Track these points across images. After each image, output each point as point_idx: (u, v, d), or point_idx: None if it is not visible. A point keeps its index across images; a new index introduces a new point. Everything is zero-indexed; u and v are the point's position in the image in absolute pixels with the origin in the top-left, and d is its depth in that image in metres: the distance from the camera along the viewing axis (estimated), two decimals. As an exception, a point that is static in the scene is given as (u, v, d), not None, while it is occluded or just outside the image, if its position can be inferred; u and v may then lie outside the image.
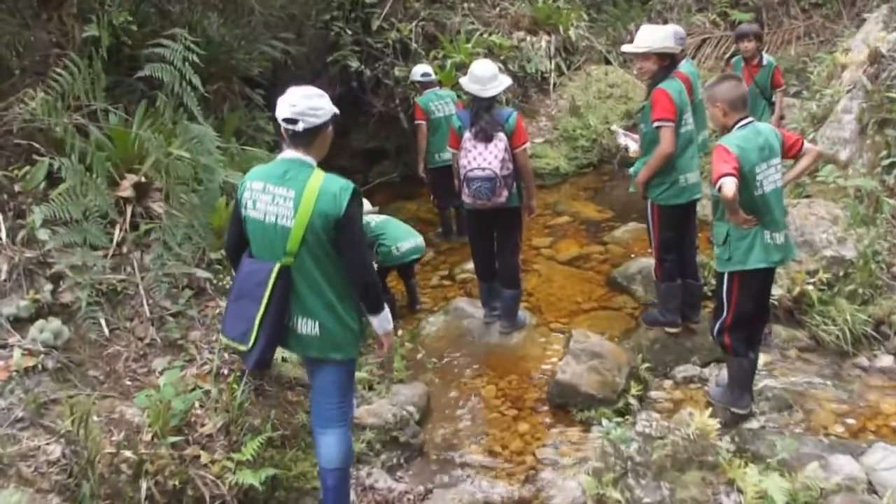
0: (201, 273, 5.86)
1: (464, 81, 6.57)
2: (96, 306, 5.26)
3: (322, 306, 4.20)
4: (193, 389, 4.96)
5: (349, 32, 11.81)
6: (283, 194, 4.07)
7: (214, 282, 5.95)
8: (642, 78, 6.85)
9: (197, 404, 4.91)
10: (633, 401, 6.00)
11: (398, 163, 12.38)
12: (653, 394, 6.28)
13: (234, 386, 5.04)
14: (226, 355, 5.40)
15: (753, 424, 5.68)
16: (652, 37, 6.44)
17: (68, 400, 4.52)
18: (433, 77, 9.93)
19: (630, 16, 15.04)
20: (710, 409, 5.62)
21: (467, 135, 6.44)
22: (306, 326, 4.23)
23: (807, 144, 5.49)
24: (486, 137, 6.35)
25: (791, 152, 5.43)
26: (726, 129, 5.36)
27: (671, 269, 6.67)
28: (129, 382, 5.04)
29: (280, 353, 5.26)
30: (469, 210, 6.85)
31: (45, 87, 5.56)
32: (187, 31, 7.91)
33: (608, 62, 14.39)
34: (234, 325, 4.25)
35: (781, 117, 8.97)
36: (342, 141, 11.42)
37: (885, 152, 7.86)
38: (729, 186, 4.91)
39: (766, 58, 9.09)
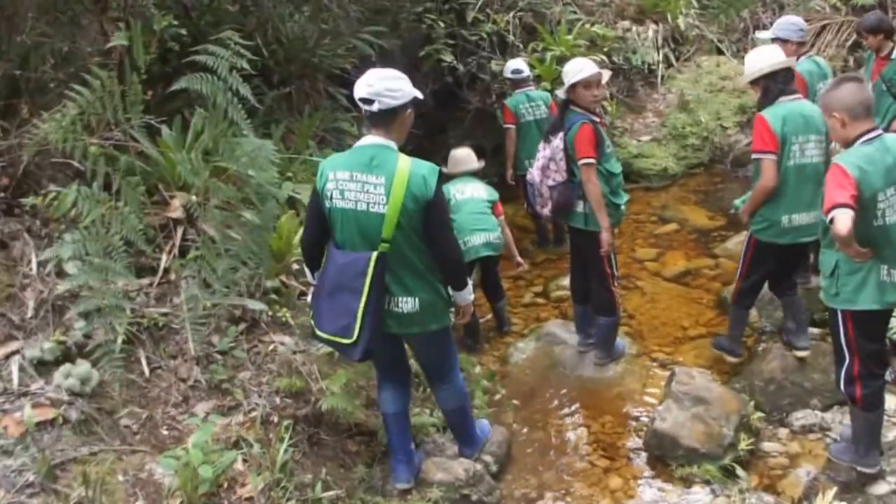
0: (254, 304, 5.33)
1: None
2: (136, 343, 4.84)
3: (418, 282, 4.35)
4: (236, 443, 4.50)
5: (442, 25, 11.20)
6: (374, 181, 4.12)
7: (270, 313, 5.44)
8: None
9: (240, 458, 4.41)
10: (742, 453, 5.29)
11: (495, 162, 11.70)
12: (766, 445, 5.52)
13: (283, 436, 4.55)
14: (277, 399, 4.91)
15: (882, 488, 4.91)
16: (750, 65, 5.71)
17: (89, 458, 4.10)
18: (525, 74, 9.11)
19: (743, 1, 14.05)
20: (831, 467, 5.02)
21: None
22: (406, 304, 4.35)
23: None
24: (546, 139, 6.06)
25: None
26: (848, 143, 4.47)
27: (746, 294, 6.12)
28: (165, 432, 4.56)
29: (338, 399, 4.86)
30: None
31: (61, 105, 5.04)
32: (263, 29, 7.51)
33: (720, 52, 13.51)
34: (332, 320, 4.28)
35: None
36: (438, 138, 10.99)
37: None
38: (843, 222, 4.07)
39: None
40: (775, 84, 5.56)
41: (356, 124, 8.40)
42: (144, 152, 5.55)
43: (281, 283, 5.72)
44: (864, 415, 4.84)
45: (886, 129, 6.36)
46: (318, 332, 4.41)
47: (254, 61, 5.89)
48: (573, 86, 5.81)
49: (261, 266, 5.46)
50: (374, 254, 4.14)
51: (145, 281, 5.19)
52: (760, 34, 6.15)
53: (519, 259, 7.48)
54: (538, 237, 9.40)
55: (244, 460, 4.42)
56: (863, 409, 4.82)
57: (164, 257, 5.31)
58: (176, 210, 5.47)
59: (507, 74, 9.21)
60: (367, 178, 4.12)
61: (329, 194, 4.21)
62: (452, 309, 4.70)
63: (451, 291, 4.56)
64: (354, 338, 4.20)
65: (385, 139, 4.21)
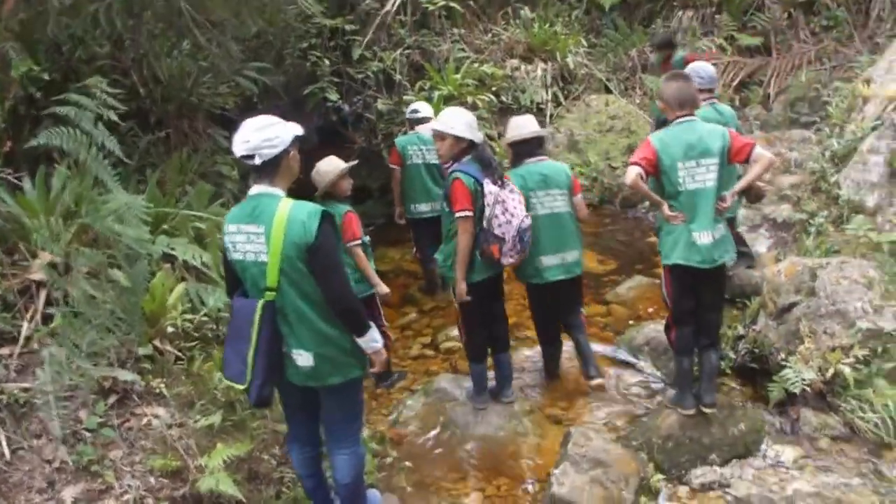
0: (125, 375, 4.92)
1: (462, 130, 5.81)
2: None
3: (313, 335, 4.24)
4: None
5: (328, 62, 10.99)
6: (255, 231, 4.10)
7: (143, 384, 5.03)
8: None
9: (110, 553, 4.01)
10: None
11: (381, 202, 11.44)
12: (665, 507, 5.36)
13: (160, 523, 4.17)
14: (152, 480, 4.50)
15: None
16: (508, 131, 6.60)
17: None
18: (423, 115, 8.75)
19: (632, 40, 14.24)
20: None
21: (493, 188, 5.72)
22: (301, 358, 4.27)
23: (758, 150, 5.40)
24: (504, 185, 5.86)
25: (737, 157, 5.46)
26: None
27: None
28: (29, 523, 4.11)
29: (217, 480, 4.49)
30: (489, 278, 6.09)
31: None
32: (139, 66, 7.10)
33: (609, 91, 13.54)
34: (230, 365, 4.28)
35: None
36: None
37: (921, 202, 6.97)
38: (629, 173, 5.44)
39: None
40: (524, 149, 6.45)
41: (236, 167, 8.06)
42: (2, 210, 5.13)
43: (155, 349, 5.33)
44: (677, 358, 5.95)
45: None
46: (224, 377, 4.42)
47: (128, 101, 5.55)
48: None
49: (132, 332, 5.08)
50: (260, 302, 4.12)
51: (5, 351, 4.81)
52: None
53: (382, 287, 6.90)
54: (426, 283, 9.11)
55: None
56: (676, 353, 5.96)
57: (24, 325, 4.90)
58: (37, 272, 5.05)
59: (407, 115, 8.97)
60: (248, 229, 4.12)
61: (229, 247, 4.23)
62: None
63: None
64: (246, 384, 4.20)
65: (269, 187, 4.17)
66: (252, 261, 4.14)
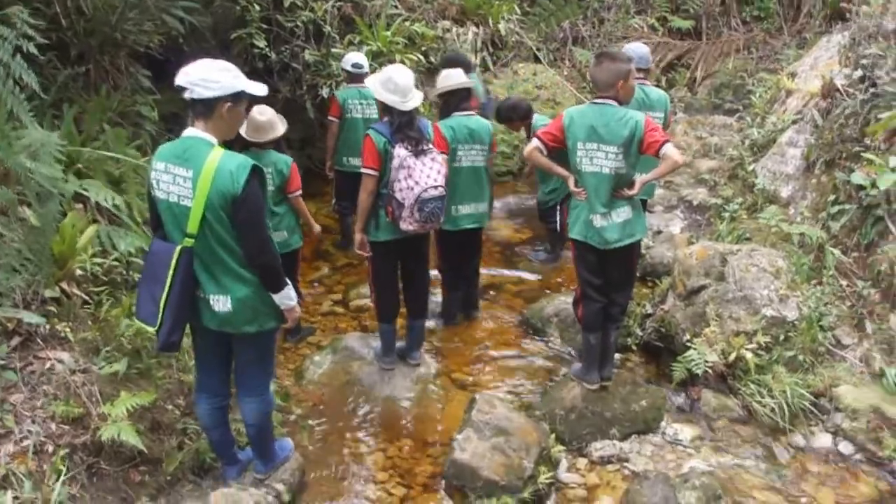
0: (30, 317, 4.72)
1: (376, 89, 5.67)
2: None
3: (231, 281, 4.21)
4: (4, 477, 3.97)
5: (258, 8, 10.67)
6: (183, 174, 4.04)
7: (48, 327, 4.84)
8: None
9: (10, 497, 3.89)
10: (542, 486, 5.15)
11: (302, 155, 11.26)
12: (565, 476, 5.40)
13: (60, 468, 4.09)
14: (53, 426, 4.37)
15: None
16: (439, 82, 6.81)
17: None
18: (365, 70, 8.68)
19: (565, 12, 14.26)
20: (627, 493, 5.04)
21: (402, 152, 5.57)
22: (218, 303, 4.23)
23: (666, 149, 5.28)
24: (422, 152, 5.66)
25: (648, 150, 5.37)
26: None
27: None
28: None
29: (119, 429, 4.38)
30: (396, 240, 5.93)
31: None
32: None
33: (538, 60, 13.53)
34: (143, 306, 4.26)
35: None
36: (243, 127, 10.45)
37: (832, 196, 7.10)
38: (528, 146, 5.67)
39: None
40: (452, 100, 6.66)
41: (156, 108, 7.83)
42: None
43: (62, 291, 5.13)
44: (584, 334, 5.95)
45: None
46: (136, 318, 4.42)
47: (48, 33, 5.32)
48: None
49: (39, 273, 4.90)
50: (178, 247, 4.10)
51: None
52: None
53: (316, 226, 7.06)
54: (343, 238, 9.00)
55: (15, 498, 3.91)
56: (583, 329, 5.96)
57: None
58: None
59: (347, 67, 8.78)
60: (177, 171, 4.05)
61: (153, 184, 4.16)
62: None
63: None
64: (157, 326, 4.19)
65: (203, 132, 4.10)
66: (175, 202, 4.08)
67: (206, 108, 4.06)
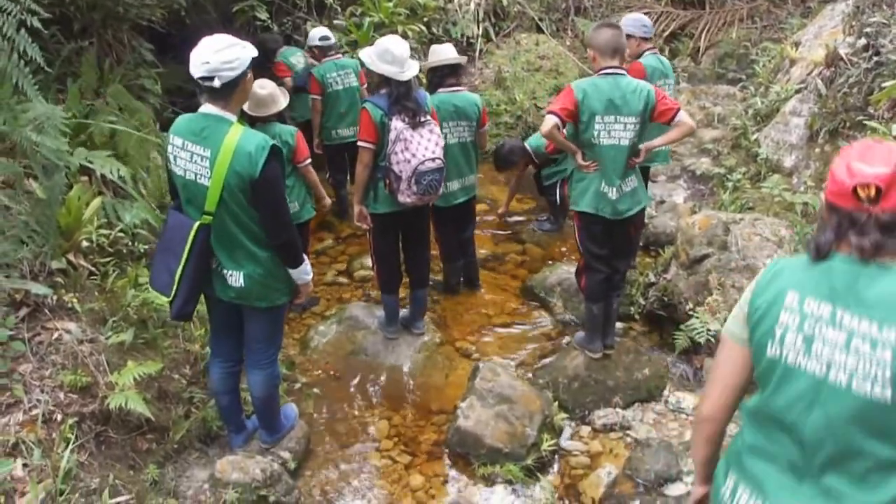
0: (38, 288, 4.72)
1: (372, 61, 5.60)
2: None
3: (246, 258, 4.23)
4: (14, 446, 3.98)
5: (259, -21, 10.68)
6: (200, 153, 4.00)
7: (55, 298, 4.85)
8: None
9: (20, 465, 3.91)
10: (545, 453, 5.20)
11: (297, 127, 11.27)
12: (568, 444, 5.44)
13: (68, 436, 4.11)
14: (61, 395, 4.38)
15: (679, 489, 4.89)
16: (429, 56, 6.80)
17: None
18: (333, 41, 8.80)
19: (568, -19, 14.17)
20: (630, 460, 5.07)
21: (399, 125, 5.53)
22: (232, 277, 4.26)
23: (680, 116, 5.38)
24: (419, 124, 5.62)
25: (660, 118, 5.41)
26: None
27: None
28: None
29: (127, 397, 4.41)
30: (395, 212, 5.92)
31: None
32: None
33: (540, 31, 13.46)
34: (158, 277, 4.31)
35: None
36: (246, 98, 10.44)
37: (835, 166, 7.08)
38: (545, 122, 5.23)
39: None
40: (435, 77, 6.61)
41: (159, 82, 7.84)
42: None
43: (69, 263, 5.13)
44: (587, 304, 5.94)
45: None
46: (150, 287, 4.48)
47: (52, 7, 5.32)
48: None
49: (46, 245, 4.92)
50: (196, 224, 4.09)
51: None
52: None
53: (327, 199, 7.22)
54: (338, 208, 9.00)
55: (24, 465, 3.94)
56: (586, 299, 5.94)
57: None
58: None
59: (315, 42, 8.81)
60: (194, 149, 4.02)
61: (170, 158, 4.15)
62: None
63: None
64: (171, 297, 4.23)
65: (222, 110, 4.05)
66: (192, 180, 4.05)
67: (230, 90, 4.01)
